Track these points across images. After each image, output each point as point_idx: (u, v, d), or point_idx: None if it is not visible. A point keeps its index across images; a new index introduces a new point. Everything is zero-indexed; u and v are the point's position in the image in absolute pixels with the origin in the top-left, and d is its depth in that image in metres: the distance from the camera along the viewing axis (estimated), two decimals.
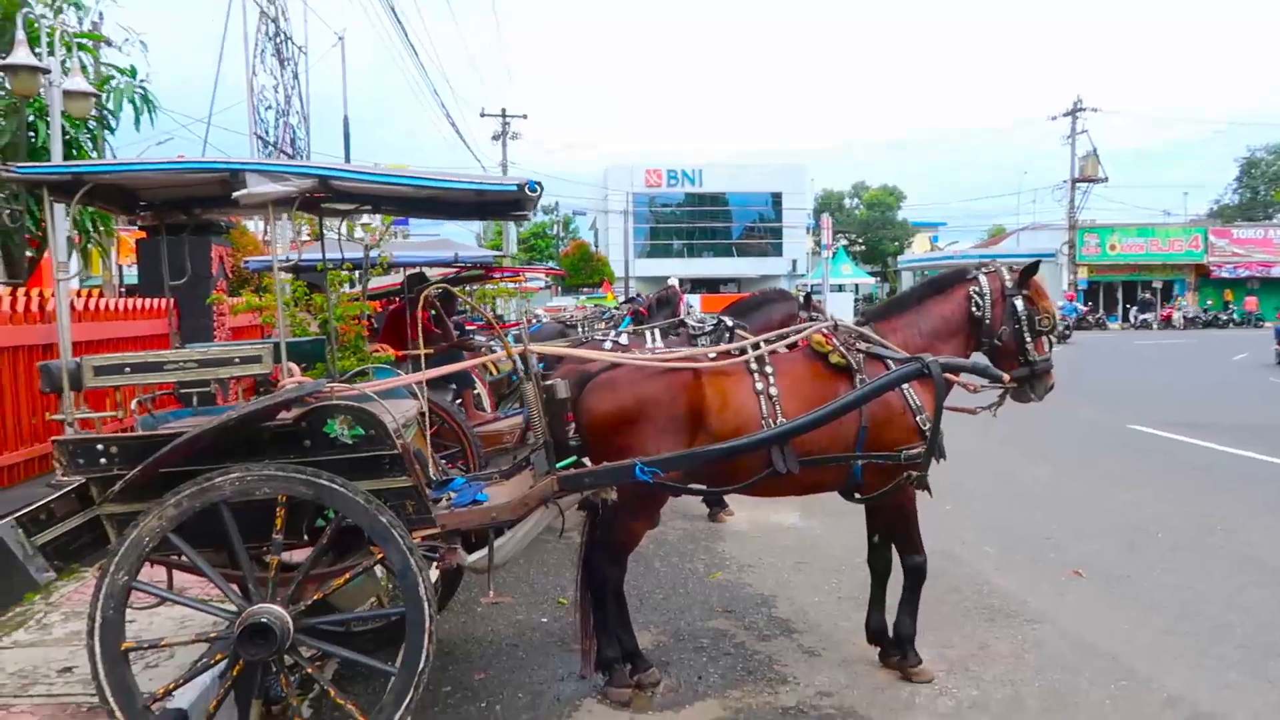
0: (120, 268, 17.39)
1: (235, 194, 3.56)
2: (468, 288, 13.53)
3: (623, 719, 4.06)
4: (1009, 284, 4.57)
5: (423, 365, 4.66)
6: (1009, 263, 4.80)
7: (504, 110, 43.96)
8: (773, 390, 4.21)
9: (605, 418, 4.17)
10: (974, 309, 4.54)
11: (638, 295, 22.03)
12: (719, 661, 4.66)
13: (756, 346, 4.38)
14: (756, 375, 4.25)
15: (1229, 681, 4.33)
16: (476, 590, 5.81)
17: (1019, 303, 4.54)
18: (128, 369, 3.58)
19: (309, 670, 3.56)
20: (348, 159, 19.88)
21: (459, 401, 7.16)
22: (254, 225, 16.26)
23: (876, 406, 4.24)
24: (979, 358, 4.63)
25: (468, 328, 11.51)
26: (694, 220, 62.14)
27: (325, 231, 5.21)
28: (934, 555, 6.32)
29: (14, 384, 6.36)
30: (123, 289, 15.36)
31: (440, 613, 4.99)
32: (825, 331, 4.46)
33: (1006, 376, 4.30)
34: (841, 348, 4.36)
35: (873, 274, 66.50)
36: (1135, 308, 45.65)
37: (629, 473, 3.92)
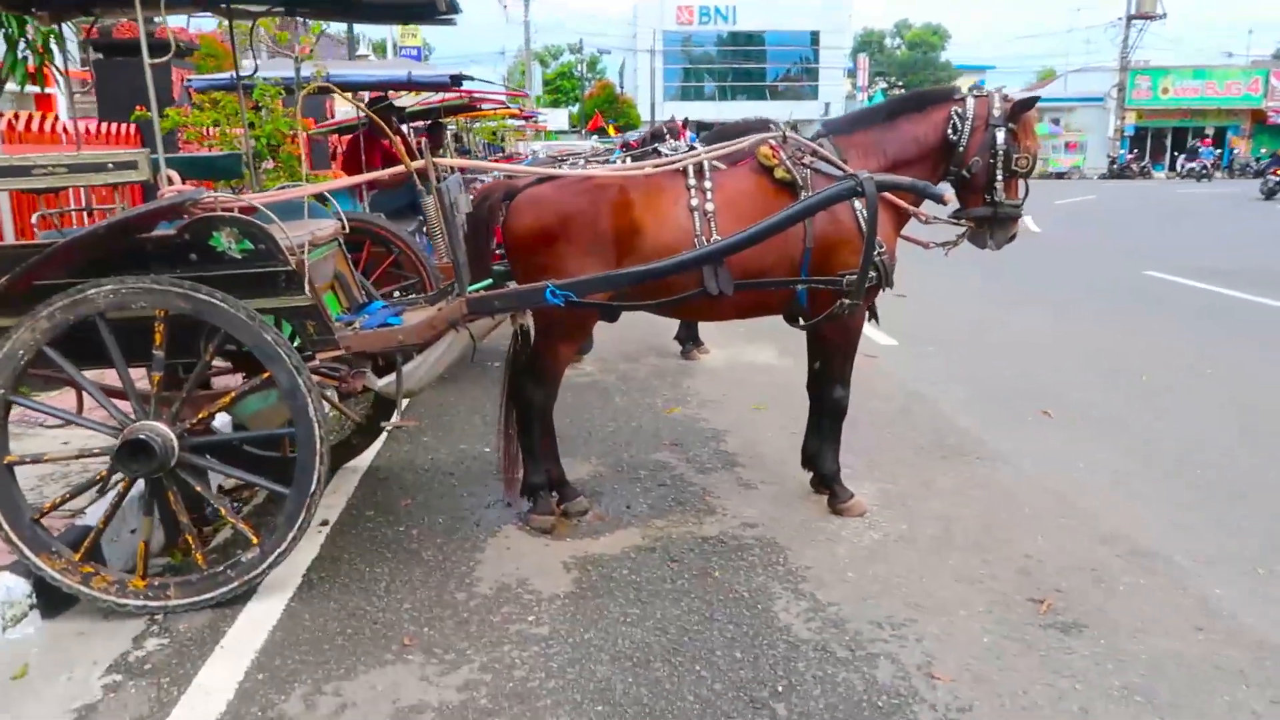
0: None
1: None
2: (463, 120, 13.11)
3: (539, 545, 3.98)
4: (996, 112, 4.09)
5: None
6: (1006, 92, 4.32)
7: None
8: (708, 206, 3.91)
9: (526, 234, 3.92)
10: (950, 132, 4.09)
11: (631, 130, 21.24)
12: (652, 492, 4.55)
13: (700, 164, 4.05)
14: (693, 191, 3.94)
15: (1178, 521, 4.15)
16: (413, 415, 5.75)
17: (1000, 135, 4.06)
18: None
19: (197, 489, 3.47)
20: None
21: (422, 232, 6.93)
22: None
23: (826, 227, 3.94)
24: (944, 187, 4.29)
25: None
26: (727, 61, 59.63)
27: (246, 42, 4.83)
28: (900, 395, 6.22)
29: None
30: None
31: (374, 439, 4.96)
32: (773, 144, 4.10)
33: (947, 196, 3.94)
34: (788, 162, 4.02)
35: None
36: (1183, 155, 43.69)
37: (539, 295, 3.69)
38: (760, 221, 3.72)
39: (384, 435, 5.39)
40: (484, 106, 11.40)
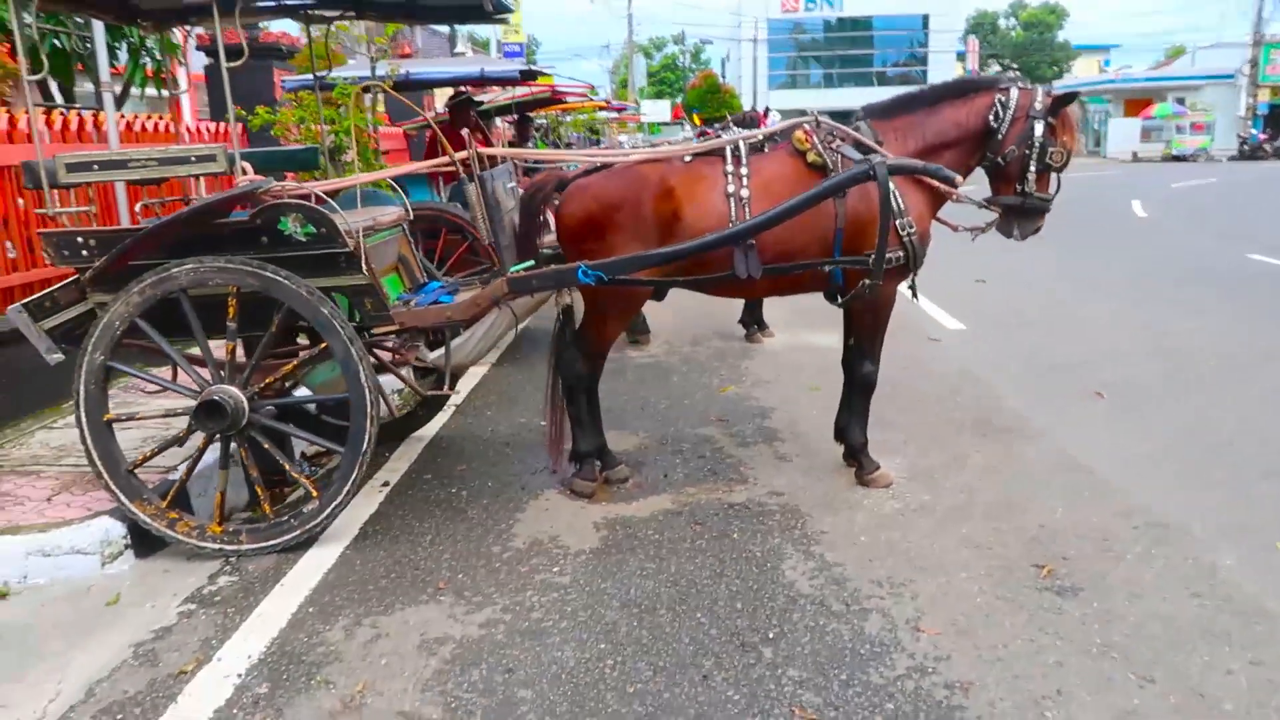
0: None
1: None
2: (554, 114, 13.52)
3: (576, 507, 4.28)
4: (1038, 105, 4.19)
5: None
6: (1050, 90, 4.35)
7: None
8: (744, 193, 4.11)
9: (576, 222, 4.20)
10: (992, 119, 4.21)
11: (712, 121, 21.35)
12: (690, 463, 4.80)
13: (737, 147, 4.27)
14: (730, 177, 4.15)
15: (1204, 498, 4.17)
16: (483, 392, 6.13)
17: (1038, 127, 4.17)
18: (95, 166, 3.85)
19: (266, 446, 3.90)
20: None
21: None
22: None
23: (858, 206, 4.09)
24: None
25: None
26: (834, 48, 58.80)
27: (323, 42, 5.29)
28: (953, 375, 6.29)
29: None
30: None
31: (436, 412, 5.35)
32: (807, 128, 4.28)
33: (959, 179, 4.03)
34: (819, 146, 4.20)
35: None
36: None
37: (573, 275, 3.98)
38: (776, 205, 3.91)
39: (451, 408, 5.82)
40: (569, 100, 11.76)
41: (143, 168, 3.86)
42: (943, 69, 57.01)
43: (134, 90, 7.88)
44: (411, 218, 4.86)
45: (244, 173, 3.87)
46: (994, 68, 62.84)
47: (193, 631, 3.27)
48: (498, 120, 11.61)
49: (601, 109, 15.99)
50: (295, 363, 3.93)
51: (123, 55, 7.82)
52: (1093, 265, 10.88)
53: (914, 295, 4.57)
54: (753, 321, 7.63)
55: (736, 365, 6.81)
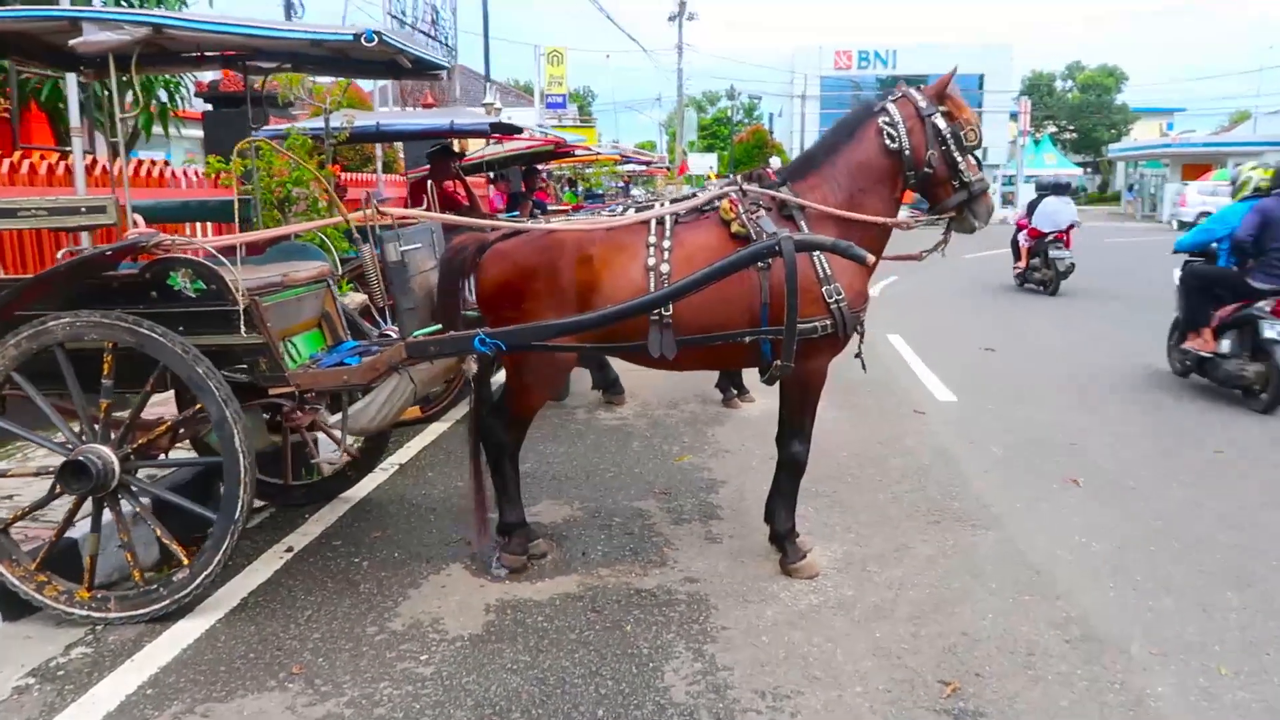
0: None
1: (71, 41, 3.59)
2: (558, 166, 13.49)
3: (474, 585, 4.02)
4: (923, 104, 3.99)
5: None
6: (923, 86, 4.15)
7: None
8: (664, 267, 3.90)
9: (493, 287, 4.02)
10: (888, 141, 3.99)
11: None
12: (615, 540, 4.52)
13: (663, 219, 4.06)
14: (652, 249, 3.95)
15: (1157, 608, 3.77)
16: (432, 451, 5.92)
17: (940, 121, 3.96)
18: None
19: (138, 510, 3.72)
20: (486, 38, 20.01)
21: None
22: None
23: (779, 278, 3.85)
24: (902, 212, 4.17)
25: (546, 203, 11.50)
26: None
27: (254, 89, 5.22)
28: (926, 453, 5.93)
29: None
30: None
31: (366, 473, 5.15)
32: (733, 197, 4.07)
33: (870, 258, 3.74)
34: (744, 215, 3.98)
35: (1082, 165, 61.00)
36: None
37: (469, 343, 3.78)
38: (667, 285, 3.75)
39: (394, 466, 5.63)
40: (578, 152, 11.71)
41: (32, 217, 3.76)
42: (996, 129, 56.61)
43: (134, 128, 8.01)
44: (339, 273, 4.72)
45: (134, 224, 3.75)
46: (1049, 129, 62.22)
47: (18, 710, 3.06)
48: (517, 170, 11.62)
49: (619, 161, 15.93)
50: (168, 424, 3.77)
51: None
52: (1117, 336, 10.41)
53: (863, 368, 4.29)
54: (730, 386, 7.34)
55: (703, 432, 6.52)
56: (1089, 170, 63.57)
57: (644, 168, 19.35)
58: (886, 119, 4.00)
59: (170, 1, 7.94)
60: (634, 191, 17.20)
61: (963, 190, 4.05)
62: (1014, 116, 53.60)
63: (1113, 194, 57.49)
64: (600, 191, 17.71)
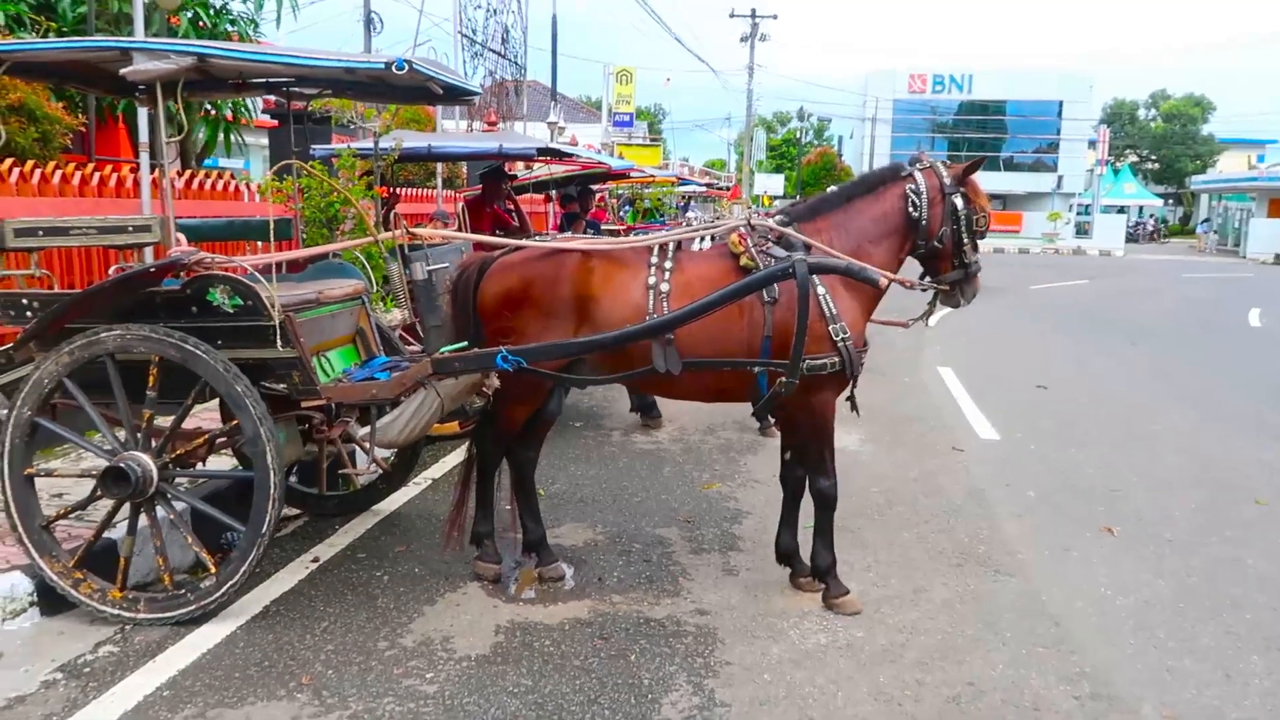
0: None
1: (122, 70, 3.79)
2: (612, 187, 13.63)
3: (489, 605, 4.10)
4: (948, 181, 4.09)
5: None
6: (943, 160, 4.29)
7: (753, 11, 42.86)
8: (664, 287, 3.97)
9: (492, 300, 4.13)
10: (911, 209, 4.10)
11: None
12: (633, 567, 4.56)
13: (667, 245, 4.16)
14: (653, 269, 4.03)
15: (1175, 667, 3.67)
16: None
17: (958, 201, 4.09)
18: (40, 232, 3.98)
19: (171, 517, 3.89)
20: (554, 58, 20.33)
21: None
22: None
23: (787, 316, 3.90)
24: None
25: (601, 222, 11.61)
26: (961, 130, 57.96)
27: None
28: (960, 493, 5.86)
29: None
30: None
31: (398, 487, 5.28)
32: (742, 231, 4.14)
33: (884, 280, 3.80)
34: (753, 249, 4.04)
35: (1163, 196, 59.36)
36: None
37: (492, 360, 3.89)
38: (683, 306, 3.83)
39: (427, 480, 5.76)
40: (633, 174, 11.82)
41: (83, 235, 3.97)
42: (1074, 158, 55.44)
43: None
44: (374, 290, 4.86)
45: (178, 243, 3.93)
46: (1130, 158, 60.74)
47: (43, 704, 3.22)
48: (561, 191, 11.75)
49: (676, 182, 16.02)
50: (206, 436, 3.93)
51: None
52: (1180, 377, 10.13)
53: (854, 409, 4.27)
54: (767, 414, 7.32)
55: (736, 460, 6.53)
56: (1170, 201, 61.80)
57: (703, 188, 19.42)
58: (914, 186, 4.12)
59: (241, 24, 8.28)
60: (689, 214, 17.22)
61: (960, 269, 4.21)
62: (1092, 144, 52.51)
63: (1192, 227, 55.80)
64: (658, 210, 17.65)
